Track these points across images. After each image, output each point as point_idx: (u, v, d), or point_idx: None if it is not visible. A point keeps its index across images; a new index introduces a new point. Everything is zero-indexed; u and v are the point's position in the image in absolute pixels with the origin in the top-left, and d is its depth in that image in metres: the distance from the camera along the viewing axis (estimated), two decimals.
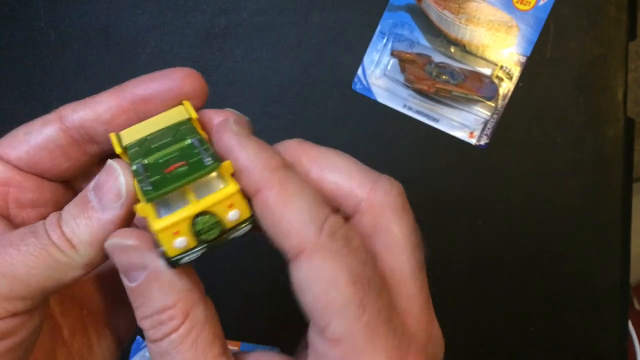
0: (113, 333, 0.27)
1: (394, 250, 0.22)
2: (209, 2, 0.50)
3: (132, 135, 0.23)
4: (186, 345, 0.21)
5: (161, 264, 0.21)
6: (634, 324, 0.54)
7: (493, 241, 0.50)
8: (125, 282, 0.22)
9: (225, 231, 0.20)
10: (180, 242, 0.20)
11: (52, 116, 0.24)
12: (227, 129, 0.22)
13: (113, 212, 0.21)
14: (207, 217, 0.20)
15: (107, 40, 0.50)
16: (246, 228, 0.21)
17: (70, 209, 0.22)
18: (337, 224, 0.20)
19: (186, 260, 0.20)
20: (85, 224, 0.21)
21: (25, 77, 0.50)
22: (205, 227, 0.20)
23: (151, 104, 0.24)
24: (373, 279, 0.20)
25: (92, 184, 0.22)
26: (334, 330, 0.19)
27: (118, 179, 0.21)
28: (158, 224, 0.20)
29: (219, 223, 0.20)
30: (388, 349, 0.20)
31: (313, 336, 0.20)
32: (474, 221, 0.50)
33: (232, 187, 0.20)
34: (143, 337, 0.49)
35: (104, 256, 0.22)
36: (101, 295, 0.27)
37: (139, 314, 0.21)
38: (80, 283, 0.27)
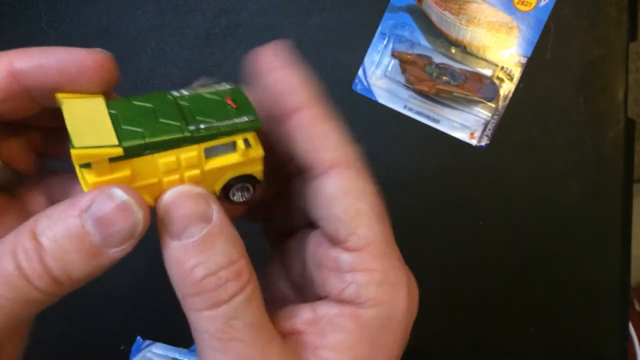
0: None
1: None
2: (209, 3, 0.50)
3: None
4: (255, 303, 0.20)
5: (222, 215, 0.20)
6: (634, 325, 0.54)
7: (493, 241, 0.50)
8: (173, 243, 0.19)
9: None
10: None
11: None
12: (271, 52, 0.23)
13: (120, 250, 0.19)
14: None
15: (107, 41, 0.50)
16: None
17: (57, 237, 0.18)
18: (358, 150, 0.23)
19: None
20: (81, 261, 0.18)
21: None
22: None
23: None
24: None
25: (86, 206, 0.19)
26: (361, 235, 0.22)
27: (134, 218, 0.19)
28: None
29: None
30: (398, 256, 0.23)
31: (333, 256, 0.22)
32: (475, 222, 0.50)
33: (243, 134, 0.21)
34: (143, 337, 0.49)
35: None
36: None
37: (198, 272, 0.19)
38: None
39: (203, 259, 0.19)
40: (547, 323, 0.51)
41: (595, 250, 0.50)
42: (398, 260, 0.23)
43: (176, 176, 0.21)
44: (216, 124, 0.21)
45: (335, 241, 0.22)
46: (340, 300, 0.22)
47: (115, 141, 0.19)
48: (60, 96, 0.21)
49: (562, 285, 0.50)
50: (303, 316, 0.23)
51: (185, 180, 0.21)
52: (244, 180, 0.22)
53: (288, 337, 0.22)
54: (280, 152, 0.23)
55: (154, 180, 0.20)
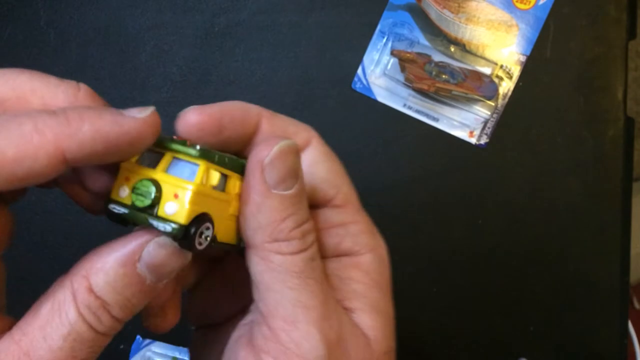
0: None
1: None
2: (208, 2, 0.50)
3: None
4: (319, 255, 0.23)
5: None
6: (633, 323, 0.54)
7: (492, 240, 0.50)
8: (271, 192, 0.21)
9: (152, 213, 0.20)
10: (123, 190, 0.20)
11: None
12: (195, 110, 0.22)
13: (168, 281, 0.21)
14: (150, 184, 0.20)
15: (106, 40, 0.50)
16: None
17: (118, 290, 0.20)
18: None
19: (114, 210, 0.20)
20: (140, 301, 0.21)
21: None
22: (140, 189, 0.20)
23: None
24: None
25: (137, 256, 0.20)
26: (345, 192, 0.25)
27: (186, 259, 0.21)
28: (126, 162, 0.20)
29: (153, 196, 0.20)
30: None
31: (324, 217, 0.24)
32: (474, 220, 0.50)
33: (190, 183, 0.20)
34: (143, 336, 0.49)
35: None
36: None
37: (290, 222, 0.21)
38: None
39: (295, 210, 0.21)
40: (547, 321, 0.51)
41: (595, 248, 0.50)
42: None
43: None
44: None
45: (321, 202, 0.25)
46: (337, 255, 0.25)
47: None
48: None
49: (562, 283, 0.50)
50: None
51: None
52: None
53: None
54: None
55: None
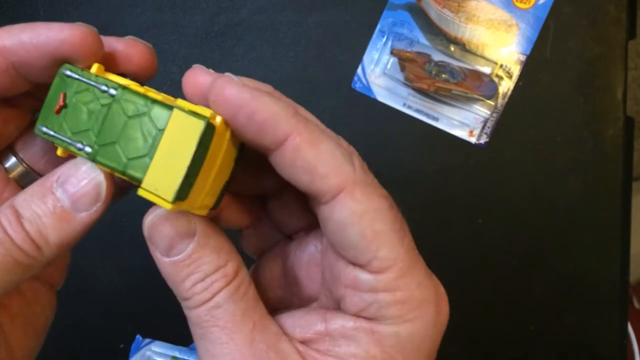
0: (45, 283, 0.27)
1: None
2: (208, 1, 0.50)
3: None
4: (238, 295, 0.22)
5: (204, 228, 0.21)
6: (633, 323, 0.54)
7: (492, 239, 0.50)
8: (163, 259, 0.21)
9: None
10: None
11: None
12: (233, 83, 0.20)
13: (88, 215, 0.21)
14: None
15: None
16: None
17: (31, 205, 0.21)
18: (360, 158, 0.22)
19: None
20: (53, 225, 0.21)
21: None
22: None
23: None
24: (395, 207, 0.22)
25: (56, 177, 0.21)
26: (382, 257, 0.21)
27: (97, 182, 0.21)
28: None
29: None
30: (424, 268, 0.22)
31: (353, 275, 0.21)
32: (474, 220, 0.50)
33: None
34: (143, 336, 0.49)
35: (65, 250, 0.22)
36: None
37: (187, 283, 0.21)
38: None
39: (192, 271, 0.21)
40: (547, 321, 0.51)
41: (595, 247, 0.50)
42: (424, 274, 0.22)
43: None
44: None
45: (355, 264, 0.22)
46: (358, 317, 0.22)
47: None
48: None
49: (561, 282, 0.50)
50: (314, 327, 0.22)
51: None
52: None
53: (294, 341, 0.22)
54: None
55: None
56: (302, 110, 0.23)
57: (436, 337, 0.22)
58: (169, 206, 0.19)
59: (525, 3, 0.48)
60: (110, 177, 0.21)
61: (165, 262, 0.21)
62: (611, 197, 0.49)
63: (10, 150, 0.25)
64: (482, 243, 0.50)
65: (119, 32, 0.50)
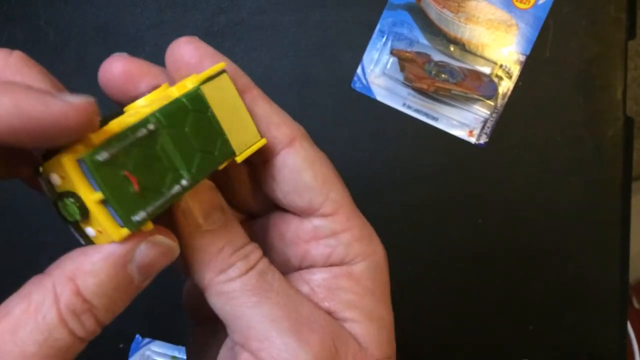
0: None
1: None
2: (208, 1, 0.50)
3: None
4: (274, 266, 0.22)
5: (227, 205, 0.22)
6: (632, 322, 0.54)
7: (492, 239, 0.50)
8: (199, 230, 0.21)
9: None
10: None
11: None
12: (190, 43, 0.24)
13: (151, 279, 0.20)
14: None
15: (106, 39, 0.50)
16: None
17: (107, 292, 0.18)
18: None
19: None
20: (125, 302, 0.19)
21: None
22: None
23: None
24: None
25: (136, 262, 0.19)
26: (333, 199, 0.23)
27: (174, 256, 0.20)
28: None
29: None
30: (358, 210, 0.24)
31: (311, 226, 0.23)
32: (473, 220, 0.50)
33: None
34: (142, 336, 0.49)
35: None
36: None
37: (228, 249, 0.21)
38: None
39: (230, 238, 0.21)
40: (546, 321, 0.51)
41: (594, 247, 0.50)
42: (362, 216, 0.25)
43: None
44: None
45: (308, 211, 0.23)
46: (329, 265, 0.24)
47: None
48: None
49: (561, 282, 0.50)
50: (302, 289, 0.24)
51: None
52: None
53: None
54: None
55: None
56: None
57: (388, 266, 0.25)
58: (264, 140, 0.22)
59: (525, 3, 0.48)
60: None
61: (203, 231, 0.21)
62: (611, 197, 0.49)
63: None
64: (481, 243, 0.50)
65: (119, 32, 0.50)
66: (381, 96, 0.49)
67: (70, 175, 0.18)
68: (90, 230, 0.19)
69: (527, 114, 0.49)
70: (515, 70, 0.49)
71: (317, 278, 0.24)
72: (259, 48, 0.50)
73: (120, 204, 0.18)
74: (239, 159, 0.21)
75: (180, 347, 0.49)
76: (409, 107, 0.49)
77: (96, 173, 0.17)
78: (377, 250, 0.24)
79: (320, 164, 0.23)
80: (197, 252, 0.21)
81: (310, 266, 0.24)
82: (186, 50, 0.23)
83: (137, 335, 0.49)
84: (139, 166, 0.19)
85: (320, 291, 0.23)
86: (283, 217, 0.25)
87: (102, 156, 0.18)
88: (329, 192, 0.23)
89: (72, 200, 0.18)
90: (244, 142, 0.22)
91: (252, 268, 0.21)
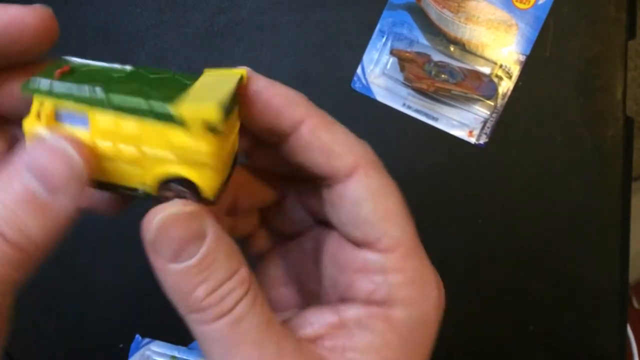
0: None
1: None
2: (208, 1, 0.50)
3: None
4: (258, 303, 0.20)
5: (215, 228, 0.19)
6: (632, 323, 0.54)
7: (492, 239, 0.50)
8: (170, 267, 0.19)
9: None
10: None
11: None
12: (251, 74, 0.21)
13: (70, 201, 0.18)
14: None
15: (105, 39, 0.50)
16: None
17: (4, 202, 0.17)
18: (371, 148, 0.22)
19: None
20: (34, 220, 0.17)
21: None
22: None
23: None
24: None
25: (24, 163, 0.18)
26: (392, 236, 0.21)
27: (70, 159, 0.18)
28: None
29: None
30: (425, 254, 0.22)
31: (362, 257, 0.22)
32: (473, 220, 0.50)
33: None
34: (142, 335, 0.49)
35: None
36: None
37: (201, 292, 0.19)
38: None
39: (204, 277, 0.19)
40: (546, 321, 0.51)
41: (594, 248, 0.50)
42: (426, 258, 0.23)
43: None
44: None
45: (363, 244, 0.22)
46: (370, 302, 0.22)
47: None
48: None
49: (561, 283, 0.50)
50: (326, 320, 0.22)
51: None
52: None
53: (308, 342, 0.22)
54: (283, 163, 0.23)
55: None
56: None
57: (439, 319, 0.23)
58: (220, 125, 0.18)
59: (525, 3, 0.48)
60: (90, 150, 0.19)
61: (172, 270, 0.19)
62: (611, 197, 0.49)
63: None
64: (481, 243, 0.50)
65: (119, 32, 0.50)
66: (381, 96, 0.49)
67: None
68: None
69: (527, 114, 0.49)
70: (515, 71, 0.49)
71: (351, 312, 0.22)
72: (259, 48, 0.50)
73: (39, 74, 0.19)
74: (174, 109, 0.18)
75: (179, 347, 0.49)
76: (409, 107, 0.49)
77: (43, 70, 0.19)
78: (428, 298, 0.22)
79: (383, 196, 0.22)
80: (167, 287, 0.20)
81: (352, 298, 0.22)
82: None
83: (137, 335, 0.49)
84: (86, 71, 0.20)
85: (348, 325, 0.22)
86: (340, 241, 0.23)
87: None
88: (389, 227, 0.21)
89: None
90: (199, 108, 0.18)
91: (225, 314, 0.19)
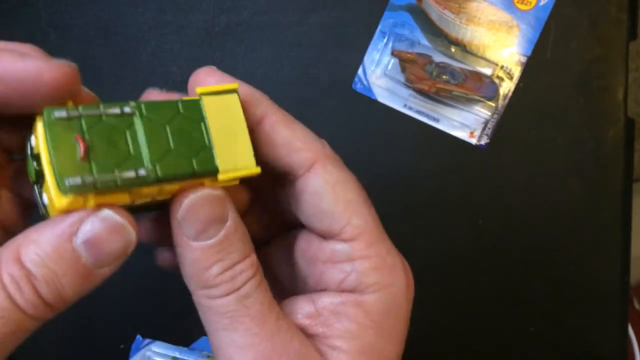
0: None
1: None
2: (209, 2, 0.50)
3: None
4: (264, 285, 0.22)
5: (235, 214, 0.21)
6: (633, 324, 0.54)
7: (493, 240, 0.50)
8: (191, 244, 0.20)
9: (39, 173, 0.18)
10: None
11: None
12: (212, 71, 0.23)
13: (111, 270, 0.20)
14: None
15: (107, 39, 0.50)
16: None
17: (48, 263, 0.18)
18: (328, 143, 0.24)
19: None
20: (73, 283, 0.18)
21: None
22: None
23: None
24: None
25: (75, 230, 0.18)
26: (355, 224, 0.22)
27: (127, 238, 0.19)
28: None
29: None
30: (389, 240, 0.24)
31: (329, 248, 0.23)
32: (474, 220, 0.50)
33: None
34: (143, 336, 0.49)
35: None
36: None
37: (215, 270, 0.21)
38: None
39: (221, 257, 0.21)
40: (547, 322, 0.51)
41: (595, 249, 0.50)
42: (390, 244, 0.24)
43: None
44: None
45: (328, 235, 0.23)
46: (341, 290, 0.23)
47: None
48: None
49: (562, 284, 0.50)
50: (303, 310, 0.23)
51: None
52: None
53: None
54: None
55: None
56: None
57: (409, 301, 0.24)
58: (258, 170, 0.21)
59: (526, 4, 0.48)
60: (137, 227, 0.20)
61: (193, 247, 0.20)
62: (612, 198, 0.49)
63: None
64: (482, 244, 0.50)
65: (120, 32, 0.50)
66: (382, 97, 0.49)
67: (37, 134, 0.18)
68: (45, 199, 0.19)
69: (528, 115, 0.49)
70: (516, 72, 0.49)
71: (325, 301, 0.23)
72: (260, 49, 0.50)
73: (58, 162, 0.17)
74: (221, 177, 0.21)
75: (180, 347, 0.49)
76: (410, 108, 0.49)
77: (47, 128, 0.17)
78: (396, 282, 0.23)
79: (343, 187, 0.23)
80: (184, 263, 0.21)
81: (325, 289, 0.24)
82: (207, 82, 0.22)
83: (138, 336, 0.49)
84: (98, 138, 0.18)
85: (324, 314, 0.23)
86: (307, 235, 0.25)
87: (60, 113, 0.18)
88: (351, 217, 0.22)
89: (35, 162, 0.18)
90: (234, 164, 0.21)
91: (234, 291, 0.21)
